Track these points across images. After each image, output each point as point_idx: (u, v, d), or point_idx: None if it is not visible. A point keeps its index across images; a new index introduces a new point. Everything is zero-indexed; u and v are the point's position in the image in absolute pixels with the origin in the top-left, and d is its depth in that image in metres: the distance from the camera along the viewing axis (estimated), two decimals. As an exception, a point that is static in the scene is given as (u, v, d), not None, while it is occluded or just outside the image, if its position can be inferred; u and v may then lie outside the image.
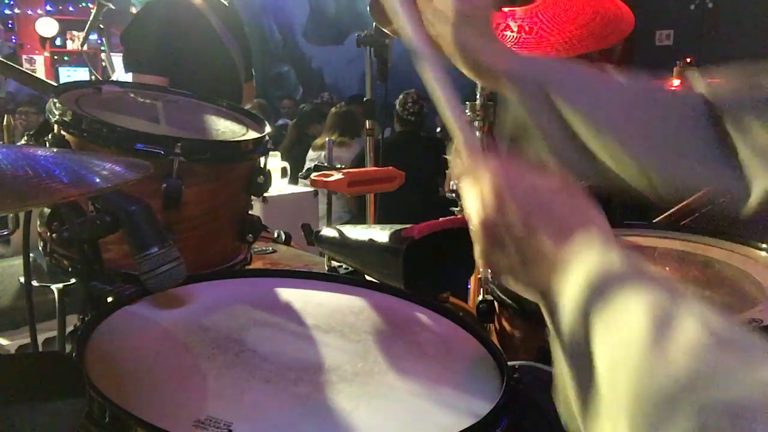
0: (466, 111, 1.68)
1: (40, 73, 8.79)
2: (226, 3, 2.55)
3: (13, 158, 0.57)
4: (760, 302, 1.06)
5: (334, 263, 1.41)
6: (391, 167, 1.65)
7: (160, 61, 2.26)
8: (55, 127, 1.10)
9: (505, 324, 1.24)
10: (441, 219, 1.19)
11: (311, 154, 4.54)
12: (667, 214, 1.75)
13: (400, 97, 4.21)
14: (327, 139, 3.22)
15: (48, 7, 9.35)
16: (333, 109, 4.85)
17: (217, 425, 0.63)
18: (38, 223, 1.14)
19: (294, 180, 3.78)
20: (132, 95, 1.33)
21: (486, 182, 0.59)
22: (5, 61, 1.68)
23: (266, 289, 1.03)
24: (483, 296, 1.29)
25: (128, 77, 2.36)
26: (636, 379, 0.40)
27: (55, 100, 1.11)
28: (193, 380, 0.73)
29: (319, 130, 5.12)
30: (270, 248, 1.82)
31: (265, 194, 1.26)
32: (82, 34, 2.85)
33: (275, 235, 1.76)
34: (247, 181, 1.21)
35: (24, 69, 1.78)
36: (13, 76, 1.77)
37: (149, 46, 2.29)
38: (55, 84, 1.27)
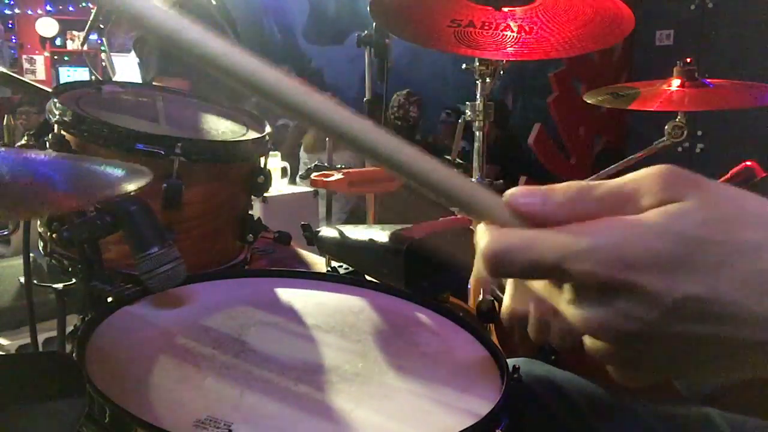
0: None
1: (40, 73, 8.79)
2: (213, 1, 2.55)
3: (14, 165, 0.57)
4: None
5: (334, 263, 1.40)
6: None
7: (186, 66, 2.26)
8: (56, 127, 1.10)
9: (505, 324, 1.24)
10: (441, 219, 1.19)
11: (302, 154, 4.53)
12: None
13: (392, 99, 4.13)
14: (327, 138, 3.21)
15: (48, 7, 9.34)
16: None
17: (217, 425, 0.63)
18: (38, 223, 1.14)
19: (294, 180, 3.78)
20: (132, 95, 1.33)
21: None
22: (4, 70, 1.67)
23: (266, 289, 1.03)
24: (483, 296, 1.29)
25: (131, 80, 2.36)
26: None
27: (56, 100, 1.11)
28: (193, 380, 0.73)
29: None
30: (270, 248, 1.82)
31: (265, 194, 1.26)
32: (82, 34, 2.84)
33: (275, 235, 1.76)
34: (247, 181, 1.21)
35: (21, 78, 1.76)
36: (11, 85, 1.76)
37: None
38: (53, 89, 1.27)
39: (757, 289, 0.35)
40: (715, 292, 0.35)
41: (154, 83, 2.29)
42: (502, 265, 0.39)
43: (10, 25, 9.27)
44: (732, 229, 0.36)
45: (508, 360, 0.83)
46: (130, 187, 0.59)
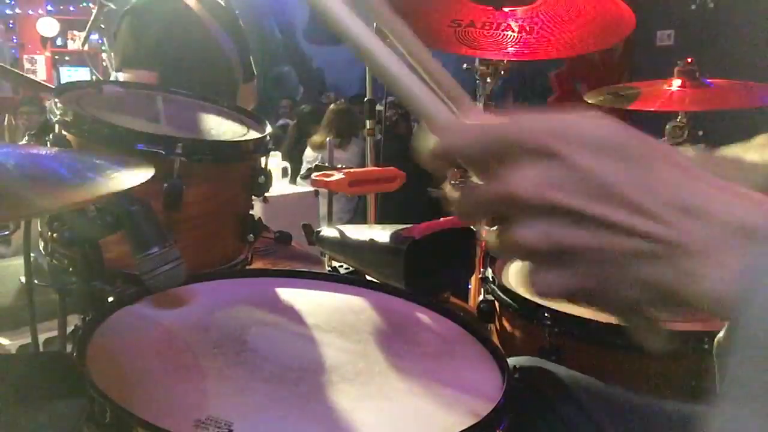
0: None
1: (41, 73, 8.79)
2: (221, 2, 2.52)
3: (20, 160, 0.57)
4: None
5: (334, 263, 1.41)
6: (391, 167, 1.65)
7: (150, 58, 2.22)
8: (56, 126, 1.10)
9: (506, 324, 1.24)
10: (441, 219, 1.19)
11: (308, 153, 4.52)
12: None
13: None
14: (327, 138, 3.22)
15: (49, 7, 9.34)
16: (332, 106, 4.82)
17: (217, 425, 0.63)
18: (39, 223, 1.15)
19: (295, 180, 3.78)
20: (133, 95, 1.33)
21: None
22: (4, 66, 1.67)
23: (266, 289, 1.03)
24: (483, 296, 1.29)
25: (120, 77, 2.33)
26: None
27: (56, 100, 1.11)
28: (194, 380, 0.73)
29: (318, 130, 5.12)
30: (270, 248, 1.82)
31: (266, 194, 1.26)
32: (83, 34, 2.85)
33: (275, 235, 1.76)
34: (247, 181, 1.21)
35: (23, 73, 1.76)
36: (13, 79, 1.77)
37: (139, 43, 2.26)
38: (54, 86, 1.27)
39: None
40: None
41: (120, 73, 2.26)
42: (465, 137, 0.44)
43: (10, 25, 9.28)
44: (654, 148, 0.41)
45: (509, 359, 0.83)
46: (135, 180, 0.59)
